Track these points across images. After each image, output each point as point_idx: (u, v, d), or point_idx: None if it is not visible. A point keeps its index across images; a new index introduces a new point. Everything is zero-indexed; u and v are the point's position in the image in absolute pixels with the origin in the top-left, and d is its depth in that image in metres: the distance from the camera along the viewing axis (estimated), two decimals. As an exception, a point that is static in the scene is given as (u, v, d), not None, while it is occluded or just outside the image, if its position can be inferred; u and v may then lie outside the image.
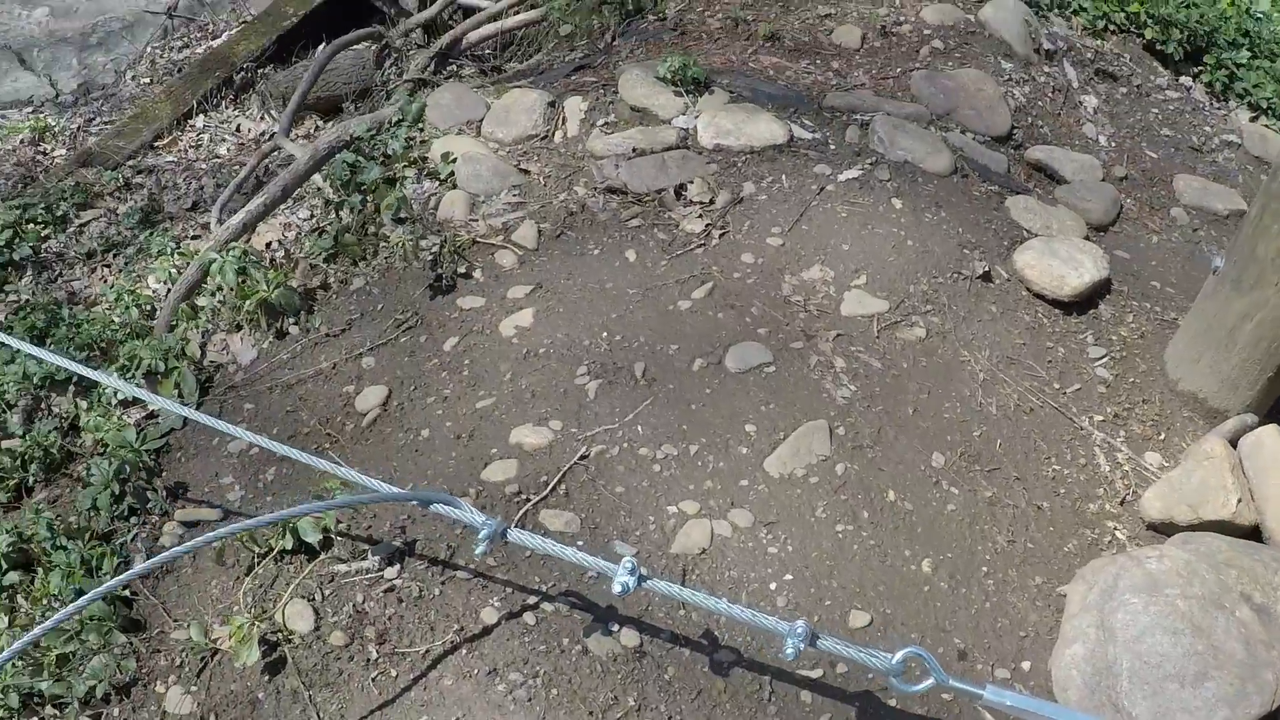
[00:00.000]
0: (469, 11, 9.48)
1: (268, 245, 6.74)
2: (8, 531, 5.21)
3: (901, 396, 5.19)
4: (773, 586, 4.47)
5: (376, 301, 5.94)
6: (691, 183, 6.27)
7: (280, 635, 4.44)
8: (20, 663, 4.57)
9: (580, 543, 4.60)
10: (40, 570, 5.09)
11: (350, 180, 6.30)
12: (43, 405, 6.08)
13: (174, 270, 6.86)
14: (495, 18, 9.09)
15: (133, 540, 5.10)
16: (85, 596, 3.64)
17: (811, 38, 8.00)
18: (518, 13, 9.07)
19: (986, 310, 5.61)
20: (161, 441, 5.46)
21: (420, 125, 6.86)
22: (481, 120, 7.00)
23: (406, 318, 5.78)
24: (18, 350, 6.46)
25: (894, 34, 8.04)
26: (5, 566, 5.12)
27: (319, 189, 6.91)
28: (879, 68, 7.64)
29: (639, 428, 5.03)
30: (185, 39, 10.78)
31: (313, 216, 6.90)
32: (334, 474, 4.09)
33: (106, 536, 5.14)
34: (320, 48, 9.61)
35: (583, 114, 6.95)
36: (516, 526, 4.54)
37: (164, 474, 5.35)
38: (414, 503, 4.32)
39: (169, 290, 6.68)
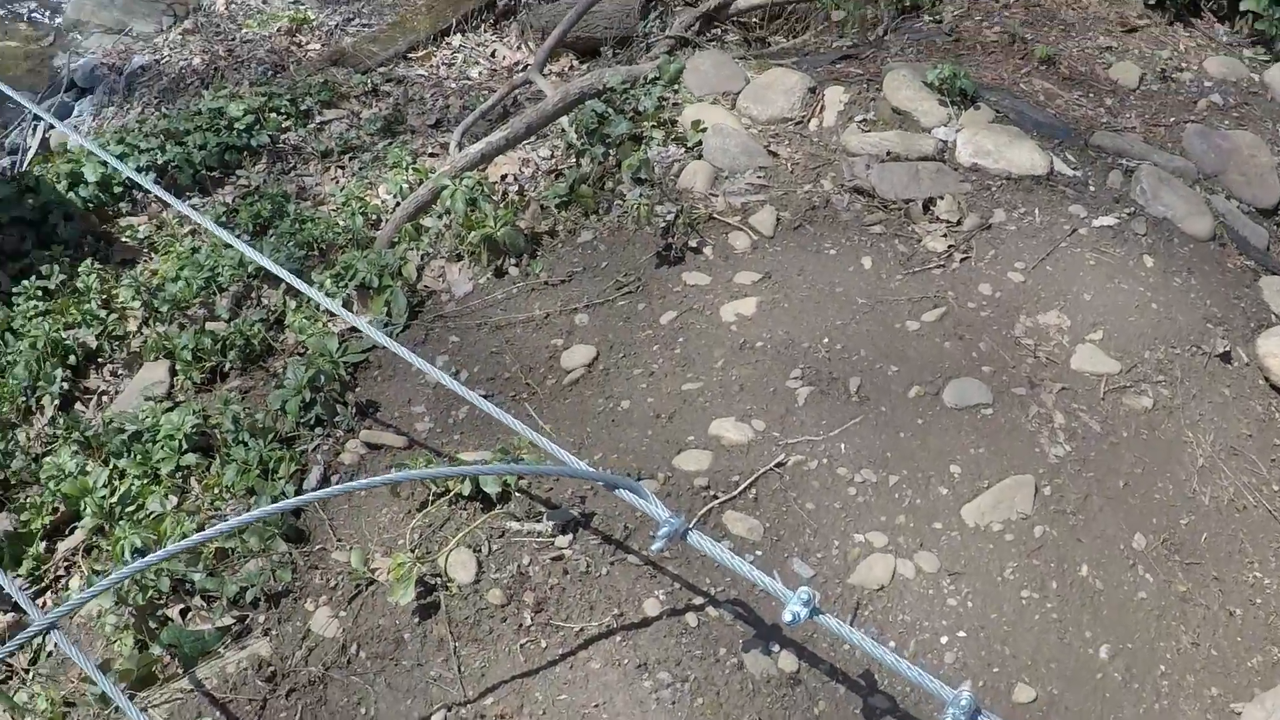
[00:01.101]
0: (744, -22, 9.31)
1: (503, 178, 6.68)
2: (195, 413, 5.23)
3: (1115, 466, 4.93)
4: (944, 640, 4.27)
5: (601, 259, 5.83)
6: (941, 199, 6.05)
7: (439, 580, 4.37)
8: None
9: (759, 552, 4.44)
10: (218, 459, 5.09)
11: (596, 130, 6.20)
12: (253, 295, 6.10)
13: (406, 185, 6.85)
14: (768, -12, 8.90)
15: (314, 450, 5.07)
16: (263, 509, 3.59)
17: (1088, 69, 7.70)
18: (792, -13, 8.87)
19: (1219, 392, 5.31)
20: (361, 356, 5.42)
21: (675, 87, 6.72)
22: (738, 94, 6.84)
23: (628, 282, 5.66)
24: (238, 237, 6.51)
25: (1173, 80, 7.70)
26: (185, 447, 5.15)
27: (563, 130, 6.82)
28: (1152, 113, 7.32)
29: (842, 445, 4.85)
30: (457, -47, 10.80)
31: (552, 157, 6.83)
32: (526, 435, 3.96)
33: (289, 441, 5.13)
34: (589, -13, 9.55)
35: (842, 106, 6.76)
36: (700, 522, 4.42)
37: (358, 389, 5.32)
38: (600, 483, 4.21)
39: (397, 205, 6.66)
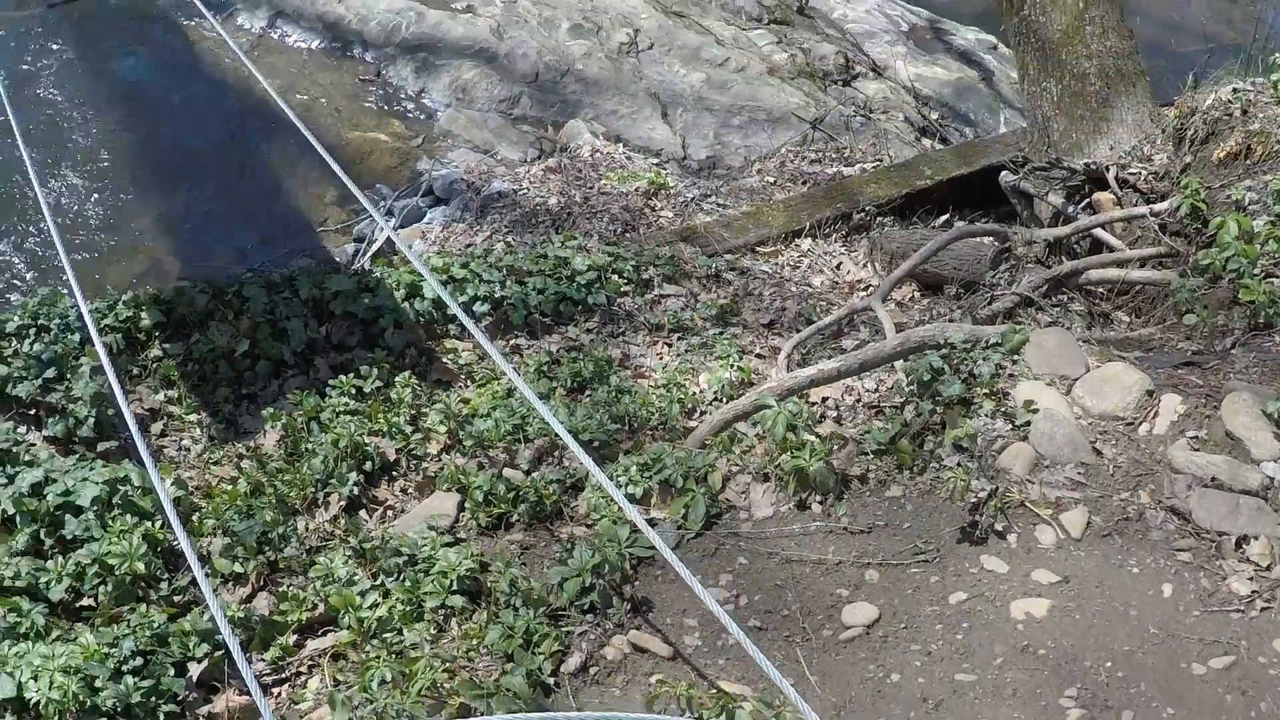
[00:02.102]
0: (1097, 245, 9.17)
1: (823, 400, 6.68)
2: (472, 556, 5.32)
3: None
4: None
5: (905, 519, 5.75)
6: (1256, 539, 5.81)
7: (660, 814, 4.33)
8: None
9: None
10: (484, 612, 5.16)
11: (929, 384, 6.15)
12: (556, 453, 6.18)
13: (727, 380, 6.89)
14: (1120, 264, 8.73)
15: (579, 635, 5.09)
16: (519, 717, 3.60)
17: None
18: (1143, 266, 8.70)
19: None
20: (649, 552, 5.41)
21: (1015, 358, 6.62)
22: (1075, 380, 6.68)
23: (927, 550, 5.56)
24: (553, 390, 6.64)
25: None
26: (455, 588, 5.26)
27: (893, 367, 6.79)
28: None
29: (1095, 784, 4.67)
30: (820, 154, 10.93)
31: (877, 391, 6.79)
32: (791, 697, 3.85)
33: (556, 617, 5.15)
34: (943, 219, 9.57)
35: (1176, 416, 6.55)
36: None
37: (637, 583, 5.33)
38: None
39: (714, 397, 6.71)
